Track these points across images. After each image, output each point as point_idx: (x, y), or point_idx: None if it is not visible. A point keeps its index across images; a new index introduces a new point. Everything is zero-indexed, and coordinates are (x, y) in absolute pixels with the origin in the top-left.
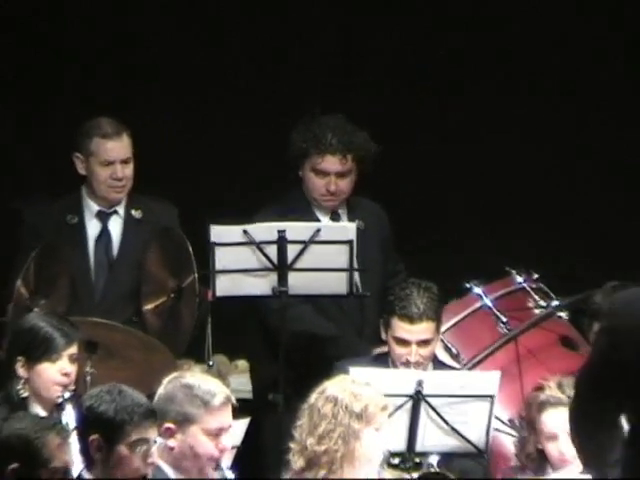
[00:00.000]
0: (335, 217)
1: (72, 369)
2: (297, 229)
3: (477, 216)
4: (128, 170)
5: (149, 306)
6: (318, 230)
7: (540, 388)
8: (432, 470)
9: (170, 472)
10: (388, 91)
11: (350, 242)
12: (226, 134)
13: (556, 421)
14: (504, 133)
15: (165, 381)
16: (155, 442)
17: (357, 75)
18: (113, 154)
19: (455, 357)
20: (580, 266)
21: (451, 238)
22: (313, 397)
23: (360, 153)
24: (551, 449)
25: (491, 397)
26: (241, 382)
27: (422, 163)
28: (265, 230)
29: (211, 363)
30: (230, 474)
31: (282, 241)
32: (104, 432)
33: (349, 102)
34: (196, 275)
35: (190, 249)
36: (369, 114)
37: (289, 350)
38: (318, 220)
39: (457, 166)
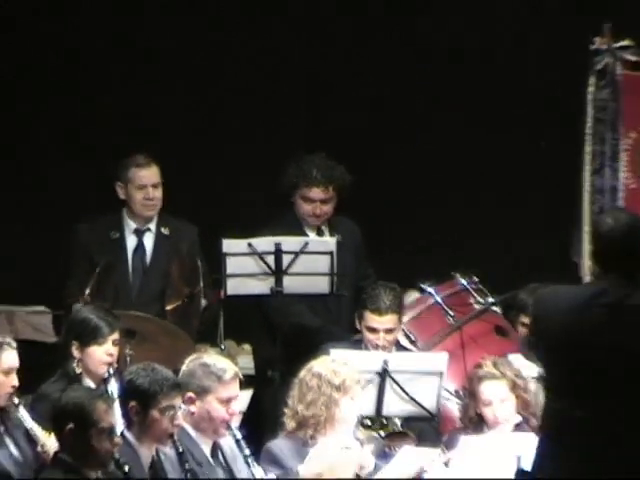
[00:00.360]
0: (320, 233)
1: (115, 351)
2: (290, 242)
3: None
4: (157, 192)
5: (169, 307)
6: (307, 243)
7: (479, 366)
8: (396, 429)
9: (191, 431)
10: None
11: (331, 253)
12: (235, 164)
13: (491, 391)
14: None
15: (187, 360)
16: (180, 408)
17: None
18: (145, 179)
19: (413, 342)
20: (508, 270)
21: (418, 244)
22: (302, 373)
23: (339, 183)
24: (487, 413)
25: (441, 373)
26: (246, 362)
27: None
28: (265, 243)
29: (223, 347)
30: (238, 433)
31: (278, 252)
32: (140, 400)
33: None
34: (202, 285)
35: (200, 267)
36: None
37: (284, 337)
38: (307, 235)
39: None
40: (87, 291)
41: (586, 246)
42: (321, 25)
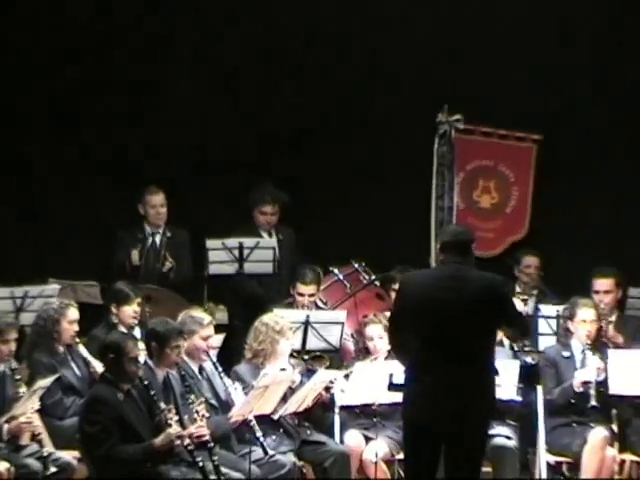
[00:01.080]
0: (270, 234)
1: (139, 309)
2: (248, 241)
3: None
4: (163, 210)
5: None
6: (258, 242)
7: (365, 316)
8: (316, 355)
9: (187, 359)
10: None
11: (274, 248)
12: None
13: (372, 331)
14: None
15: (181, 314)
16: (183, 347)
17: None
18: (155, 202)
19: (325, 304)
20: (389, 257)
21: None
22: (256, 323)
23: (280, 202)
24: (370, 346)
25: (342, 323)
26: (221, 315)
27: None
28: (232, 241)
29: (206, 307)
30: (214, 358)
31: (241, 247)
32: (158, 341)
33: None
34: (187, 266)
35: (187, 255)
36: None
37: (244, 301)
38: (262, 236)
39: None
40: (128, 266)
41: (433, 244)
42: None
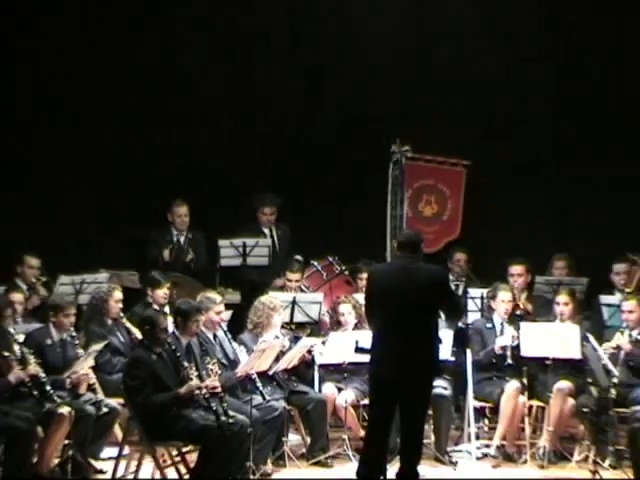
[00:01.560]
0: (270, 231)
1: (168, 292)
2: (250, 241)
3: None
4: (186, 218)
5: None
6: (257, 242)
7: (338, 298)
8: (301, 326)
9: (204, 329)
10: None
11: (269, 246)
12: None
13: (343, 309)
14: None
15: (199, 296)
16: (201, 321)
17: None
18: (179, 212)
19: (307, 288)
20: (356, 253)
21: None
22: (255, 302)
23: (277, 205)
24: (341, 320)
25: (320, 303)
26: (231, 297)
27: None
28: (238, 241)
29: (218, 290)
30: (225, 327)
31: (244, 245)
32: (182, 317)
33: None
34: (203, 260)
35: (203, 252)
36: None
37: (248, 285)
38: (264, 232)
39: None
40: (160, 261)
41: (389, 243)
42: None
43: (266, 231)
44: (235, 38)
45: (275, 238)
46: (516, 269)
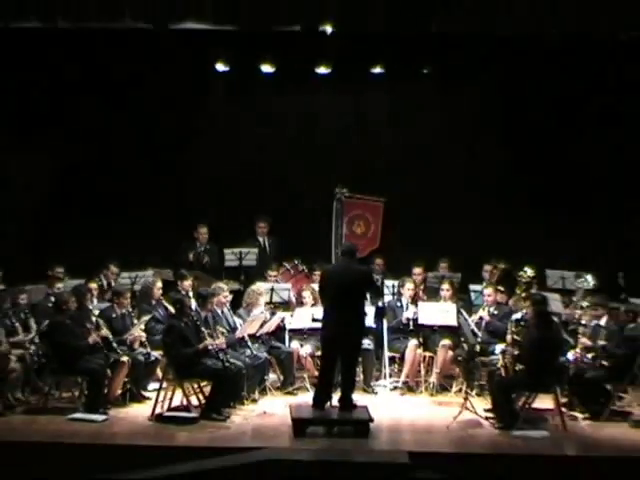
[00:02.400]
0: (263, 240)
1: (191, 283)
2: (245, 250)
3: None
4: (206, 235)
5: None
6: (249, 251)
7: (301, 287)
8: (277, 304)
9: (216, 307)
10: None
11: (256, 254)
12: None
13: (304, 294)
14: None
15: (213, 285)
16: (214, 302)
17: None
18: (202, 231)
19: (281, 280)
20: (312, 258)
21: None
22: (248, 289)
23: (269, 222)
24: (303, 301)
25: (289, 289)
26: (234, 286)
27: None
28: (236, 250)
29: (225, 282)
30: (228, 305)
31: (241, 253)
32: (202, 300)
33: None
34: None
35: (215, 257)
36: None
37: (245, 279)
38: (260, 241)
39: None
40: (187, 263)
41: (333, 251)
42: None
43: (260, 239)
44: None
45: (267, 245)
46: (417, 269)
